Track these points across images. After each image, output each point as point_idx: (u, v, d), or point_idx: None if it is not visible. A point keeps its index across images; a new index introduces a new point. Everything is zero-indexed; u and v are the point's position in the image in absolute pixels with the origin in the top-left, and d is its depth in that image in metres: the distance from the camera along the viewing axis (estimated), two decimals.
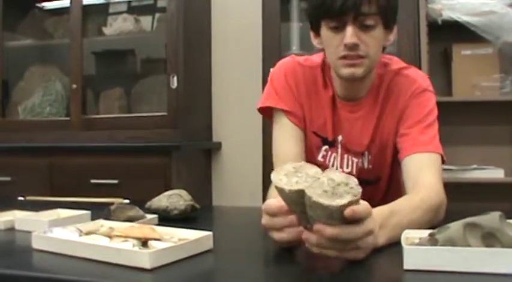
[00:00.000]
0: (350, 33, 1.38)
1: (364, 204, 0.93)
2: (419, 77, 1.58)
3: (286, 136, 1.60)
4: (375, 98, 1.57)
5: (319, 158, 1.65)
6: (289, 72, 1.62)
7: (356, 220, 0.91)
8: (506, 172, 2.86)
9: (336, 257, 0.94)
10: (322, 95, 1.60)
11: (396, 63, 1.61)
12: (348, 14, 1.37)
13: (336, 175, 0.94)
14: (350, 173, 1.60)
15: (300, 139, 1.61)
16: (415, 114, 1.51)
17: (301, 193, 0.91)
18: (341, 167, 1.63)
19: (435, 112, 1.53)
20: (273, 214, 1.02)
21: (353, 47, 1.40)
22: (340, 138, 1.60)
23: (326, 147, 1.63)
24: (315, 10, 1.47)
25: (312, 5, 1.47)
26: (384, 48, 1.52)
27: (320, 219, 0.91)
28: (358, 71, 1.44)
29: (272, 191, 1.12)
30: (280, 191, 0.94)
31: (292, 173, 0.97)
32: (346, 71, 1.45)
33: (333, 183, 0.92)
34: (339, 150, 1.62)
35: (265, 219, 1.04)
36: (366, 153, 1.60)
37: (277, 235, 1.03)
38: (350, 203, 0.89)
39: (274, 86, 1.63)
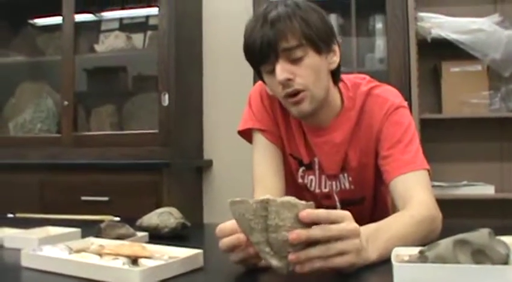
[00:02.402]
0: (279, 71, 1.36)
1: (335, 210, 0.96)
2: (390, 94, 1.56)
3: (265, 156, 1.60)
4: (345, 121, 1.54)
5: (299, 179, 1.65)
6: (264, 93, 1.61)
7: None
8: (496, 188, 2.88)
9: (325, 269, 0.94)
10: (291, 120, 1.59)
11: (367, 83, 1.58)
12: (269, 55, 1.36)
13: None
14: (328, 193, 1.62)
15: (279, 158, 1.61)
16: (392, 135, 1.48)
17: (264, 203, 0.92)
18: (319, 187, 1.63)
19: (412, 127, 1.51)
20: (226, 235, 1.02)
21: (287, 83, 1.38)
22: (316, 160, 1.60)
23: (303, 168, 1.63)
24: (249, 61, 1.46)
25: (246, 57, 1.46)
26: (335, 72, 1.49)
27: (286, 224, 0.91)
28: (304, 106, 1.42)
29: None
30: (243, 204, 0.94)
31: (249, 199, 0.97)
32: (294, 110, 1.44)
33: (291, 199, 0.94)
34: (317, 172, 1.62)
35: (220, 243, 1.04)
36: (344, 175, 1.59)
37: (233, 256, 1.03)
38: (312, 205, 0.94)
39: (252, 108, 1.63)
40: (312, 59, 1.40)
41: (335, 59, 1.48)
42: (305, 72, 1.39)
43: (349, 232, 0.95)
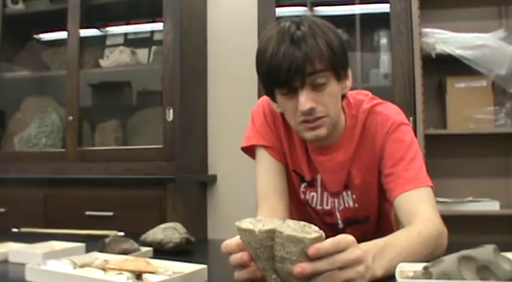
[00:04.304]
0: (303, 100, 1.35)
1: (341, 237, 0.94)
2: (392, 112, 1.55)
3: (268, 172, 1.59)
4: (349, 139, 1.54)
5: (301, 195, 1.65)
6: (267, 110, 1.61)
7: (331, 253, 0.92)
8: (501, 204, 2.86)
9: None
10: (295, 136, 1.59)
11: (369, 100, 1.57)
12: (295, 79, 1.34)
13: (298, 221, 0.96)
14: (330, 210, 1.61)
15: (282, 174, 1.60)
16: (395, 152, 1.48)
17: (271, 233, 0.91)
18: (321, 205, 1.63)
19: (415, 144, 1.51)
20: (232, 251, 1.00)
21: (310, 112, 1.37)
22: (319, 177, 1.59)
23: (305, 184, 1.63)
24: (264, 79, 1.42)
25: (261, 74, 1.42)
26: (344, 95, 1.49)
27: (292, 258, 0.90)
28: (322, 131, 1.41)
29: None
30: (249, 233, 0.93)
31: (256, 221, 0.96)
32: (309, 135, 1.42)
33: (299, 225, 0.94)
34: (318, 189, 1.61)
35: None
36: (347, 192, 1.59)
37: (238, 274, 1.01)
38: (320, 238, 0.90)
39: (255, 124, 1.63)
40: (333, 86, 1.39)
41: (348, 84, 1.48)
42: (327, 100, 1.38)
43: (353, 260, 0.94)
